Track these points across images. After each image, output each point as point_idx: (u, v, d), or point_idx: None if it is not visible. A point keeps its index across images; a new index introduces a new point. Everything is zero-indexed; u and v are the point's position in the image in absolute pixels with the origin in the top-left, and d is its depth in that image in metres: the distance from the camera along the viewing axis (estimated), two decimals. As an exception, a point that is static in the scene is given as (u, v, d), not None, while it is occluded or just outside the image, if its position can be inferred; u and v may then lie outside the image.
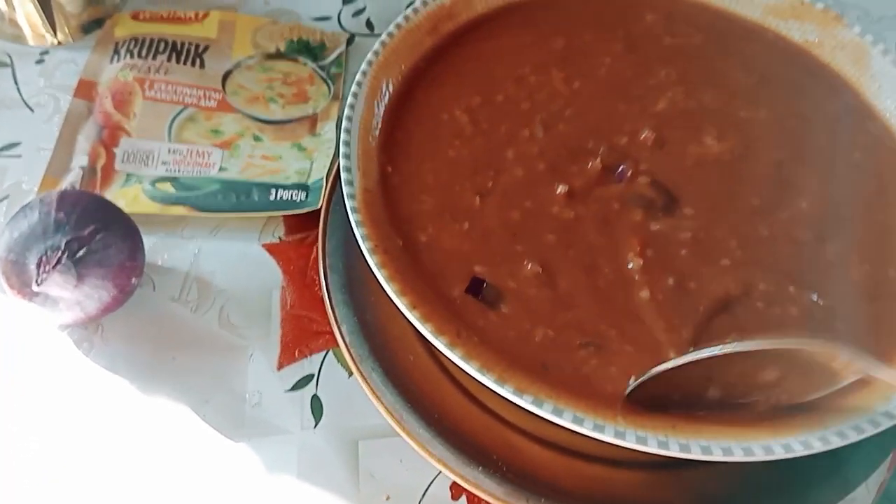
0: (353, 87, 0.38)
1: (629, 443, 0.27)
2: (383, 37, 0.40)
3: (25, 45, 0.54)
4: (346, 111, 0.37)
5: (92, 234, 0.37)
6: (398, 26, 0.41)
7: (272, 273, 0.43)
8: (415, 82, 0.41)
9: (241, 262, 0.44)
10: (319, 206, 0.44)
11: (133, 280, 0.39)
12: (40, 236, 0.37)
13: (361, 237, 0.33)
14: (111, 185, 0.45)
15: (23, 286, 0.37)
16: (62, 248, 0.36)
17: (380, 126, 0.38)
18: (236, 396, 0.39)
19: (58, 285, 0.37)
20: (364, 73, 0.39)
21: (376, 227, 0.34)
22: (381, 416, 0.36)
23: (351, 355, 0.36)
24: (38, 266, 0.36)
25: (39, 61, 0.53)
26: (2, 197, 0.46)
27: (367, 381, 0.36)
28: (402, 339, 0.38)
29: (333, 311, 0.38)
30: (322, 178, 0.46)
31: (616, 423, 0.28)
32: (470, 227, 0.35)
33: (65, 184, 0.45)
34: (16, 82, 0.52)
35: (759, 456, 0.27)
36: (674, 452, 0.27)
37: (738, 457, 0.27)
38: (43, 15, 0.52)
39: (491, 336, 0.31)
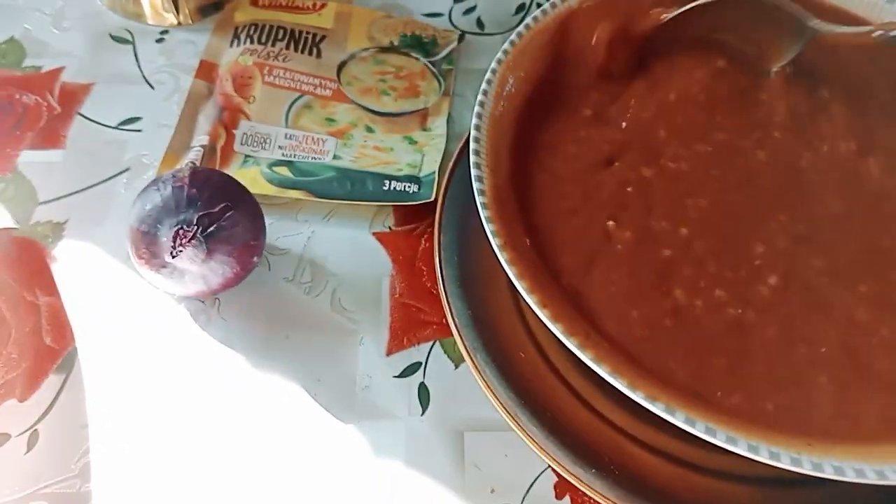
0: (483, 86, 0.39)
1: (762, 458, 0.27)
2: (513, 37, 0.41)
3: (146, 23, 0.56)
4: (477, 108, 0.38)
5: (222, 211, 0.39)
6: (527, 27, 0.41)
7: (382, 261, 0.44)
8: (545, 85, 0.41)
9: (353, 248, 0.45)
10: (432, 198, 0.45)
11: (255, 259, 0.41)
12: (173, 210, 0.38)
13: (492, 233, 0.33)
14: (230, 165, 0.47)
15: (152, 257, 0.39)
16: (196, 223, 0.38)
17: (509, 126, 0.39)
18: (347, 378, 0.40)
19: (188, 259, 0.38)
20: (494, 72, 0.39)
21: (505, 225, 0.34)
22: (489, 410, 0.37)
23: (465, 347, 0.37)
24: (174, 239, 0.37)
25: (160, 40, 0.55)
26: (123, 168, 0.48)
27: (481, 374, 0.36)
28: (513, 336, 0.39)
29: (448, 303, 0.39)
30: (433, 172, 0.46)
31: (749, 438, 0.28)
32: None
33: (185, 161, 0.46)
34: (137, 59, 0.54)
35: (892, 480, 0.27)
36: (807, 470, 0.27)
37: (871, 480, 0.27)
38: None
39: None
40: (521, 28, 0.41)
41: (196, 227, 0.38)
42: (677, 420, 0.28)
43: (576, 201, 0.36)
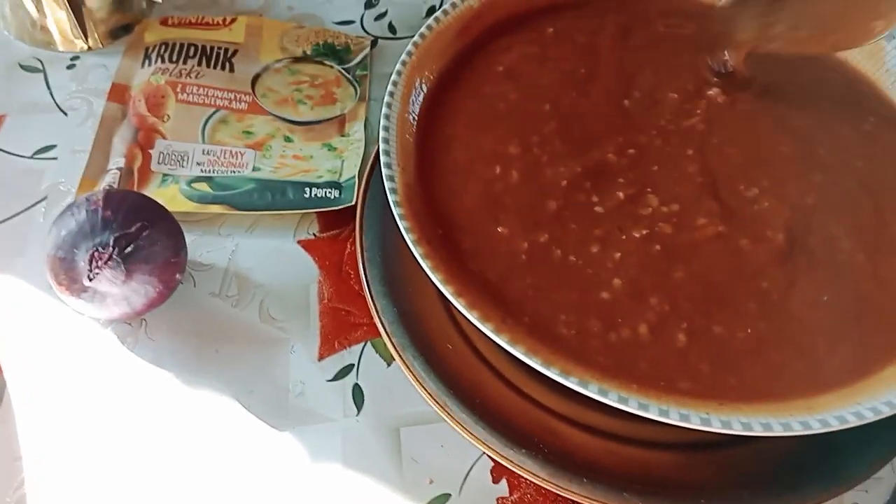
0: (390, 87, 0.39)
1: (673, 420, 0.29)
2: (416, 38, 0.42)
3: (56, 50, 0.55)
4: (384, 110, 0.38)
5: (139, 230, 0.39)
6: (429, 27, 0.42)
7: (308, 268, 0.45)
8: (446, 82, 0.42)
9: (278, 258, 0.45)
10: (353, 202, 0.45)
11: (177, 276, 0.41)
12: (89, 234, 0.38)
13: (405, 229, 0.34)
14: (148, 185, 0.47)
15: (71, 283, 0.38)
16: (112, 244, 0.37)
17: (416, 124, 0.40)
18: (279, 387, 0.40)
19: (107, 281, 0.38)
20: (399, 74, 0.40)
21: (418, 220, 0.35)
22: (422, 404, 0.37)
23: (393, 345, 0.38)
24: (90, 262, 0.37)
25: (70, 66, 0.54)
26: (40, 198, 0.47)
27: (410, 369, 0.37)
28: (440, 328, 0.39)
29: (374, 303, 0.39)
30: (353, 177, 0.47)
31: (659, 402, 0.29)
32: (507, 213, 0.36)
33: (103, 185, 0.46)
34: (48, 87, 0.53)
35: (797, 430, 0.29)
36: (716, 429, 0.29)
37: (778, 432, 0.29)
38: (74, 21, 0.54)
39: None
40: (423, 29, 0.42)
41: (112, 249, 0.38)
42: (591, 392, 0.29)
43: (476, 189, 0.37)
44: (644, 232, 0.36)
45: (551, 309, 0.34)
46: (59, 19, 0.54)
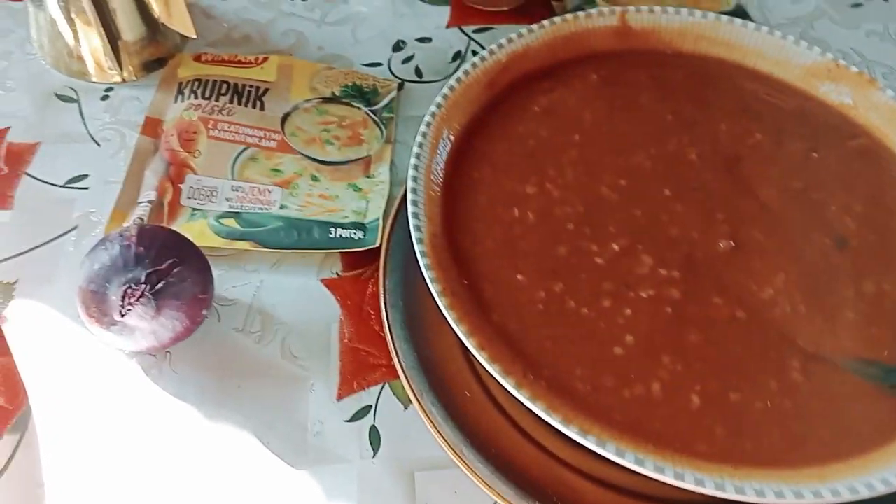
0: (418, 139, 0.40)
1: (688, 484, 0.29)
2: (444, 90, 0.43)
3: (91, 81, 0.57)
4: (413, 160, 0.40)
5: (170, 267, 0.40)
6: (458, 80, 0.44)
7: (330, 307, 0.45)
8: (475, 129, 0.44)
9: (301, 295, 0.46)
10: (377, 244, 0.46)
11: (204, 312, 0.42)
12: (121, 269, 0.39)
13: (431, 280, 0.35)
14: (177, 219, 0.48)
15: (102, 315, 0.39)
16: (144, 281, 0.39)
17: (442, 174, 0.41)
18: (298, 425, 0.41)
19: (137, 316, 0.39)
20: (427, 125, 0.41)
21: (443, 270, 0.36)
22: (438, 449, 0.38)
23: (412, 389, 0.38)
24: (122, 298, 0.38)
25: (104, 97, 0.56)
26: (71, 227, 0.48)
27: (427, 415, 0.38)
28: (459, 375, 0.40)
29: (394, 347, 0.40)
30: (378, 218, 0.48)
31: (675, 465, 0.30)
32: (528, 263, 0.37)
33: (133, 217, 0.47)
34: (82, 117, 0.54)
35: (809, 500, 0.29)
36: (729, 495, 0.29)
37: (790, 500, 0.29)
38: (110, 52, 0.55)
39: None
40: (452, 81, 0.43)
41: (144, 285, 0.39)
42: (608, 452, 0.30)
43: (497, 234, 0.38)
44: (651, 293, 0.36)
45: (568, 363, 0.34)
46: (94, 50, 0.55)
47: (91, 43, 0.55)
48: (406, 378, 0.39)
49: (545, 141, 0.44)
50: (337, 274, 0.47)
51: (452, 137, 0.42)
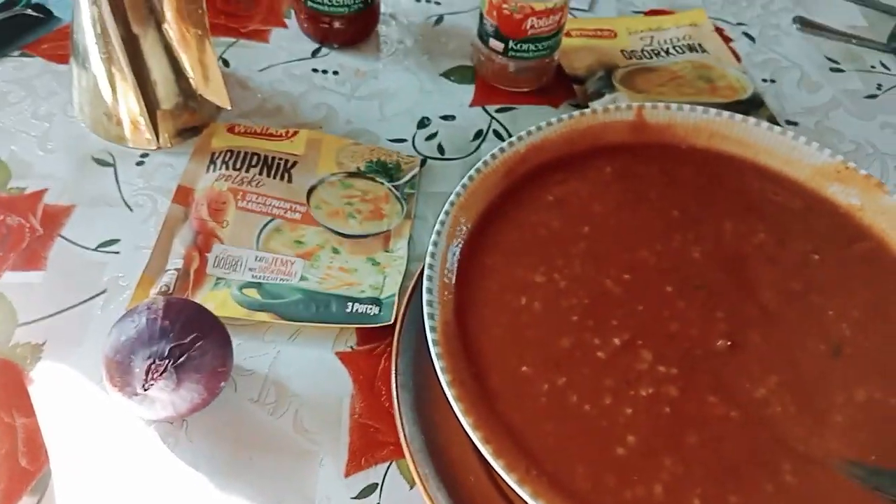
0: (437, 227, 0.42)
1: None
2: (464, 181, 0.45)
3: (127, 146, 0.59)
4: (430, 248, 0.41)
5: (193, 341, 0.42)
6: (477, 171, 0.45)
7: (343, 381, 0.47)
8: (491, 216, 0.45)
9: (316, 368, 0.47)
10: (391, 321, 0.48)
11: (222, 384, 0.43)
12: (146, 342, 0.41)
13: (441, 370, 0.36)
14: (202, 287, 0.50)
15: (125, 385, 0.41)
16: (167, 355, 0.40)
17: (457, 260, 0.42)
18: (306, 501, 0.42)
19: (158, 389, 0.40)
20: (446, 214, 0.43)
21: (453, 359, 0.37)
22: (441, 532, 0.39)
23: (419, 474, 0.39)
24: (146, 373, 0.40)
25: (139, 163, 0.58)
26: (100, 290, 0.50)
27: (431, 500, 0.39)
28: (464, 459, 0.41)
29: (403, 428, 0.41)
30: (394, 294, 0.50)
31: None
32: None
33: (160, 284, 0.49)
34: (117, 181, 0.57)
35: None
36: None
37: None
38: (147, 118, 0.58)
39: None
40: (472, 171, 0.45)
41: (168, 360, 0.40)
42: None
43: (504, 321, 0.40)
44: (650, 391, 0.37)
45: (570, 460, 0.35)
46: (132, 115, 0.58)
47: (129, 108, 0.58)
48: (413, 462, 0.40)
49: (556, 231, 0.45)
50: (352, 348, 0.48)
51: (469, 225, 0.44)
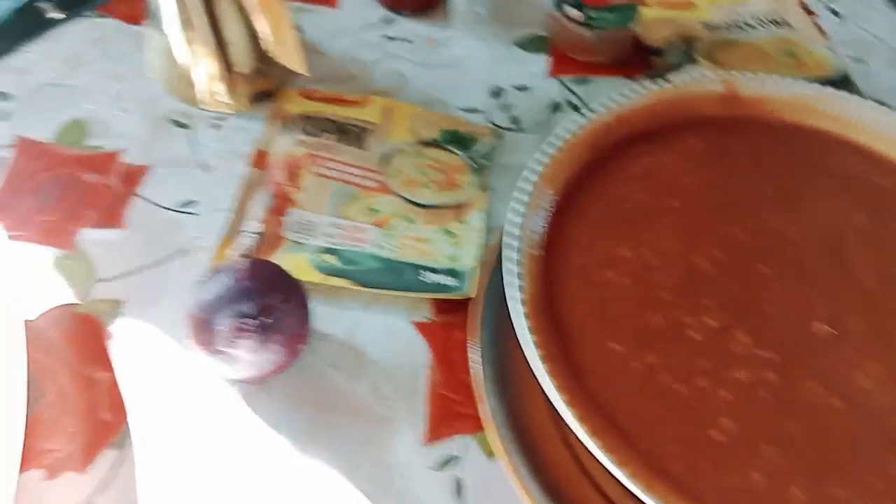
0: (521, 197, 0.41)
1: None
2: (547, 147, 0.44)
3: (202, 108, 0.59)
4: (515, 219, 0.40)
5: (277, 302, 0.41)
6: (564, 140, 0.44)
7: (420, 350, 0.47)
8: (574, 188, 0.44)
9: (392, 336, 0.47)
10: (471, 294, 0.47)
11: (302, 346, 0.43)
12: (232, 301, 0.41)
13: (533, 344, 0.36)
14: (278, 250, 0.50)
15: (209, 343, 0.41)
16: (253, 315, 0.40)
17: (540, 232, 0.42)
18: (384, 467, 0.42)
19: (243, 347, 0.41)
20: (531, 183, 0.42)
21: (543, 334, 0.37)
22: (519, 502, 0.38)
23: (504, 449, 0.39)
24: (232, 330, 0.40)
25: (215, 126, 0.58)
26: (179, 250, 0.50)
27: (517, 475, 0.38)
28: (546, 435, 0.41)
29: (485, 402, 0.41)
30: (472, 267, 0.49)
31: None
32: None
33: (240, 246, 0.49)
34: (194, 143, 0.57)
35: None
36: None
37: None
38: (225, 81, 0.57)
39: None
40: (556, 139, 0.44)
41: (253, 320, 0.40)
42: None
43: (590, 297, 0.39)
44: (747, 375, 0.36)
45: (662, 440, 0.35)
46: (209, 78, 0.58)
47: (206, 71, 0.58)
48: (498, 436, 0.40)
49: (643, 205, 0.44)
50: (428, 318, 0.48)
51: (553, 196, 0.43)
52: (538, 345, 0.36)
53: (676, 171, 0.46)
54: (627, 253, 0.41)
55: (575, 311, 0.39)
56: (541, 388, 0.35)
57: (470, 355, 0.43)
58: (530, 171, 0.43)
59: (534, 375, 0.35)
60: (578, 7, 0.61)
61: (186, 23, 0.55)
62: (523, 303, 0.37)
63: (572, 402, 0.34)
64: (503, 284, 0.41)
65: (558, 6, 0.63)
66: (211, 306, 0.41)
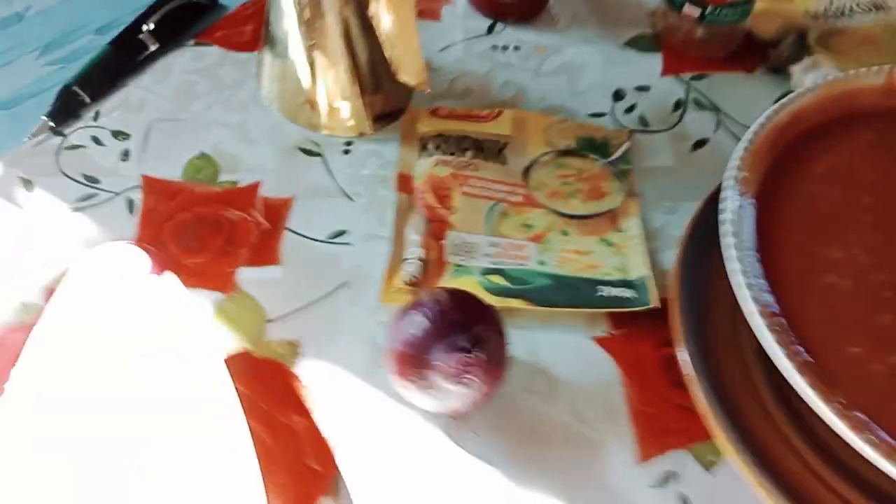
0: (723, 204, 0.41)
1: None
2: (737, 154, 0.43)
3: (329, 134, 0.58)
4: (727, 227, 0.40)
5: (483, 332, 0.40)
6: (749, 142, 0.44)
7: (607, 367, 0.46)
8: (766, 195, 0.44)
9: (576, 355, 0.46)
10: (654, 305, 0.46)
11: (506, 373, 0.42)
12: (442, 335, 0.40)
13: (786, 356, 0.35)
14: (444, 276, 0.49)
15: (419, 378, 0.40)
16: (468, 347, 0.39)
17: (750, 239, 0.41)
18: (603, 489, 0.41)
19: (457, 381, 0.39)
20: (731, 189, 0.41)
21: (789, 346, 0.36)
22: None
23: (746, 465, 0.38)
24: (449, 364, 0.39)
25: (346, 151, 0.57)
26: (341, 282, 0.49)
27: (763, 489, 0.37)
28: (775, 443, 0.40)
29: (712, 417, 0.40)
30: (644, 276, 0.48)
31: None
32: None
33: (406, 274, 0.48)
34: (329, 171, 0.55)
35: None
36: None
37: None
38: (360, 106, 0.56)
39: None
40: (743, 144, 0.43)
41: (471, 352, 0.39)
42: None
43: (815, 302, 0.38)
44: None
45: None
46: (335, 102, 0.56)
47: (333, 95, 0.56)
48: (735, 452, 0.39)
49: (837, 203, 0.43)
50: (609, 333, 0.47)
51: (752, 201, 0.42)
52: (790, 355, 0.35)
53: (858, 166, 0.45)
54: (839, 254, 0.41)
55: (807, 320, 0.38)
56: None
57: (682, 364, 0.42)
58: (730, 178, 0.42)
59: (773, 386, 0.35)
60: (699, 4, 0.60)
61: (314, 47, 0.54)
62: (762, 314, 0.36)
63: (843, 414, 0.33)
64: (695, 289, 0.41)
65: (672, 4, 0.62)
66: (419, 342, 0.40)
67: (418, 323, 0.41)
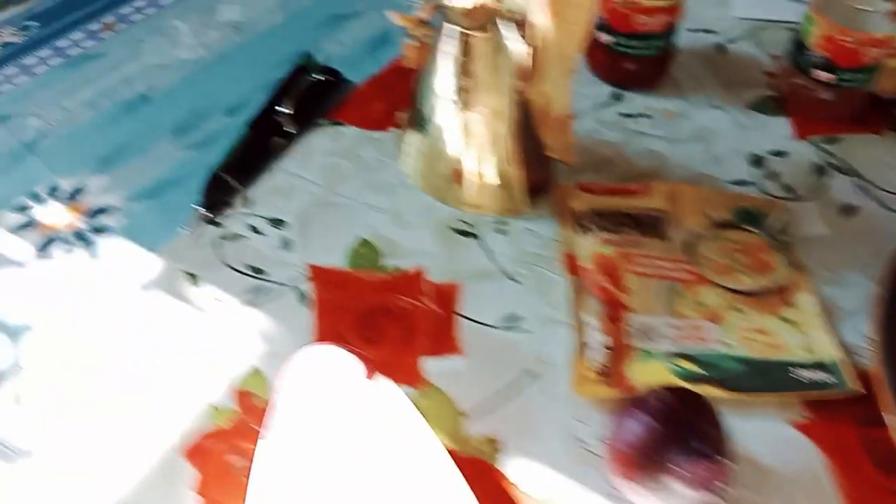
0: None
1: None
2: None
3: (479, 213, 0.57)
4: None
5: (711, 430, 0.40)
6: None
7: (811, 454, 0.45)
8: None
9: (778, 442, 0.46)
10: (857, 390, 0.46)
11: (732, 469, 0.42)
12: (673, 436, 0.40)
13: None
14: (630, 361, 0.48)
15: (649, 480, 0.40)
16: (706, 453, 0.39)
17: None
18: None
19: (694, 483, 0.39)
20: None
21: None
22: None
23: None
24: (687, 468, 0.39)
25: (500, 231, 0.56)
26: (527, 372, 0.49)
27: None
28: None
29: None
30: (839, 358, 0.48)
31: None
32: None
33: (595, 363, 0.48)
34: (488, 253, 0.55)
35: None
36: None
37: None
38: (520, 185, 0.56)
39: None
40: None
41: (706, 455, 0.39)
42: None
43: None
44: None
45: None
46: (484, 180, 0.56)
47: (485, 172, 0.56)
48: None
49: None
50: (806, 418, 0.47)
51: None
52: None
53: None
54: None
55: None
56: None
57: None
58: None
59: None
60: (831, 69, 0.61)
61: (470, 123, 0.54)
62: None
63: None
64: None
65: (800, 67, 0.63)
66: (649, 443, 0.40)
67: (644, 423, 0.40)
